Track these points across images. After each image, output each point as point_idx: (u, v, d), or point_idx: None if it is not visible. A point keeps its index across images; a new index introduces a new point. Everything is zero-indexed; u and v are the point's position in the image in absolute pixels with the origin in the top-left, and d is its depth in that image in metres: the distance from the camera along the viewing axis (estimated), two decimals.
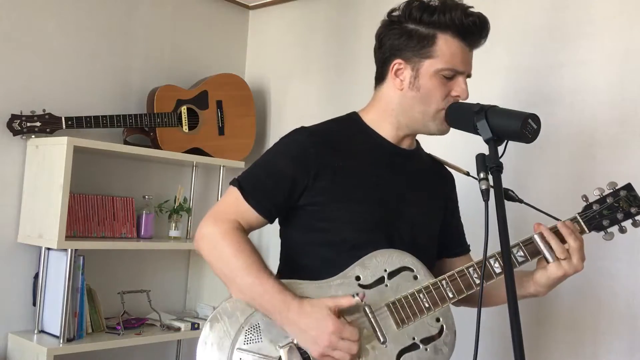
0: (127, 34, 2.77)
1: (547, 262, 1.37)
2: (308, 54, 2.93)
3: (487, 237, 1.19)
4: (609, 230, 1.43)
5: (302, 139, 1.43)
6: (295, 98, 2.98)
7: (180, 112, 2.74)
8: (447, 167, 1.62)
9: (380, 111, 1.47)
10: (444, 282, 1.37)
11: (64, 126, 2.42)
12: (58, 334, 2.28)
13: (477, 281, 1.38)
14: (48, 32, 2.52)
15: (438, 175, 1.61)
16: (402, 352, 1.32)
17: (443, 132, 1.46)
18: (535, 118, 1.23)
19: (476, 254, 1.61)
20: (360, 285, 1.35)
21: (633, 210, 1.43)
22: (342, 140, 1.45)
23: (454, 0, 1.40)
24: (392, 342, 1.32)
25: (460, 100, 1.42)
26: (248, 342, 1.29)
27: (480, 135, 1.25)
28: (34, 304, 2.43)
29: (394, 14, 1.44)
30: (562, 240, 1.38)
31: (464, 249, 1.64)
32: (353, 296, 1.29)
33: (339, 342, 1.25)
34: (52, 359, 2.20)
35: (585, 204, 1.44)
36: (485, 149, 1.23)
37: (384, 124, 1.47)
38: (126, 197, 2.69)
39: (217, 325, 1.30)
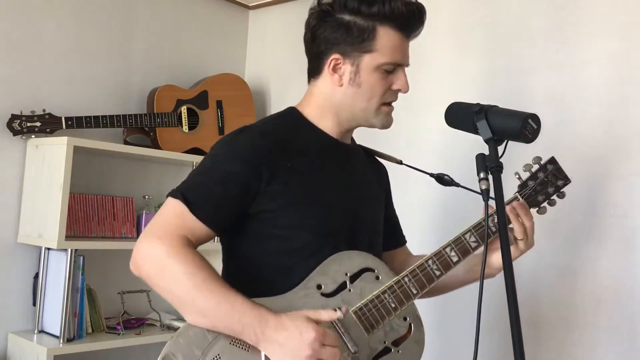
0: (127, 34, 2.77)
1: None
2: None
3: (488, 237, 1.19)
4: (542, 205, 1.48)
5: (249, 140, 1.31)
6: (295, 98, 2.95)
7: (180, 112, 2.74)
8: (379, 158, 1.60)
9: (318, 107, 1.40)
10: (406, 279, 1.33)
11: (64, 126, 2.42)
12: (58, 334, 2.28)
13: (438, 273, 1.36)
14: (48, 32, 2.52)
15: (374, 167, 1.57)
16: (375, 359, 1.29)
17: (386, 126, 1.41)
18: (535, 118, 1.23)
19: (412, 247, 1.66)
20: (322, 295, 1.27)
21: (560, 182, 1.48)
22: (289, 138, 1.35)
23: None
24: (363, 351, 1.27)
25: (402, 93, 1.39)
26: None
27: (480, 135, 1.25)
28: (34, 304, 2.42)
29: (326, 1, 1.35)
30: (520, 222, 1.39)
31: (402, 241, 1.63)
32: (335, 309, 1.20)
33: (322, 350, 1.15)
34: (52, 359, 2.20)
35: (519, 182, 1.47)
36: (485, 149, 1.23)
37: (325, 119, 1.40)
38: (126, 197, 2.69)
39: None
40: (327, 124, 1.40)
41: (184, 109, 2.75)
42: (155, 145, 2.66)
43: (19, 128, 2.36)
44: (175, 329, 2.60)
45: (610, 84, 2.00)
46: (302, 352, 1.14)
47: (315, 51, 1.39)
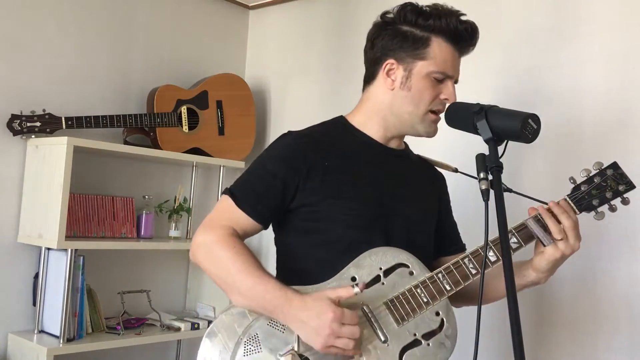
0: (127, 34, 2.77)
1: (544, 245, 1.37)
2: (308, 53, 2.92)
3: (487, 238, 1.19)
4: (599, 210, 1.43)
5: (290, 142, 1.44)
6: (295, 98, 2.98)
7: (180, 112, 2.74)
8: (436, 167, 1.63)
9: (368, 112, 1.49)
10: (440, 275, 1.37)
11: (64, 126, 2.42)
12: (58, 334, 2.28)
13: (474, 271, 1.37)
14: (48, 32, 2.52)
15: (429, 175, 1.62)
16: (404, 349, 1.32)
17: (430, 135, 1.48)
18: (535, 118, 1.22)
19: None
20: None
21: (621, 188, 1.43)
22: (330, 141, 1.46)
23: (446, 6, 1.44)
24: (393, 340, 1.31)
25: (449, 103, 1.44)
26: (248, 353, 1.28)
27: (480, 135, 1.25)
28: (34, 304, 2.43)
29: (388, 15, 1.47)
30: (557, 221, 1.37)
31: (460, 247, 1.64)
32: (353, 286, 1.26)
33: (341, 329, 1.23)
34: (52, 359, 2.20)
35: (573, 185, 1.44)
36: (485, 149, 1.23)
37: (372, 125, 1.48)
38: (126, 197, 2.69)
39: (215, 340, 1.29)
40: (372, 129, 1.49)
41: (184, 109, 2.75)
42: (155, 145, 2.66)
43: (19, 128, 2.36)
44: (175, 328, 2.61)
45: (610, 84, 2.00)
46: (323, 330, 1.23)
47: (372, 58, 1.49)
